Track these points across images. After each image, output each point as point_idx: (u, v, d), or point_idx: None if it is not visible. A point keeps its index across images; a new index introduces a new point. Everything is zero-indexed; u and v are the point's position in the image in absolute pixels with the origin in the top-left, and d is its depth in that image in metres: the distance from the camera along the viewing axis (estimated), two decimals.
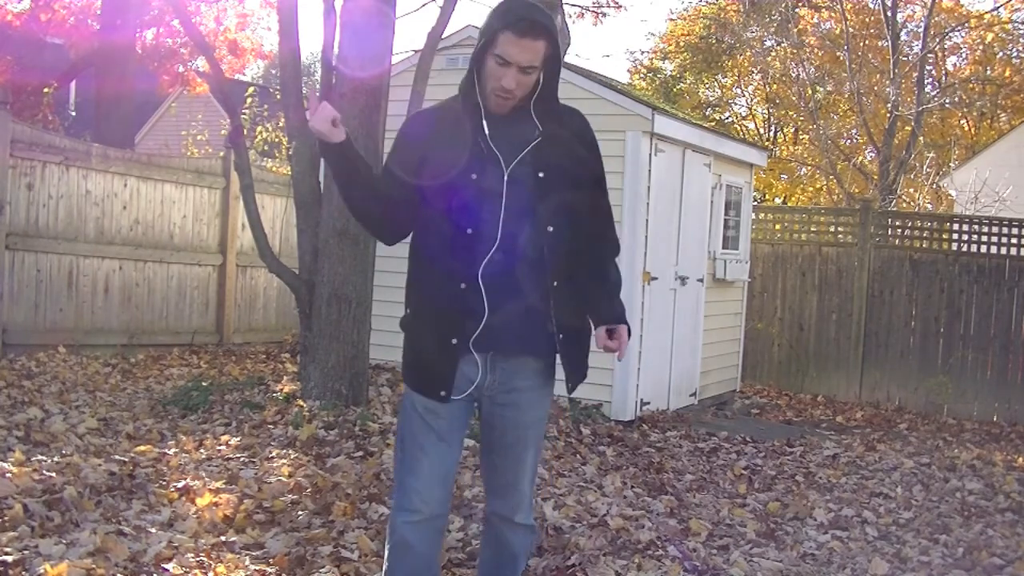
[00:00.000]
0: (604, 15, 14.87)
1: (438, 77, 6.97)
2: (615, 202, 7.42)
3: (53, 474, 4.56)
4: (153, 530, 4.08)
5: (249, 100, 15.09)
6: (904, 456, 7.11)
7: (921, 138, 19.12)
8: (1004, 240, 10.04)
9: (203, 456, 5.40)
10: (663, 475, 5.95)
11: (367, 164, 2.79)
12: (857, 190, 19.64)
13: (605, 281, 2.90)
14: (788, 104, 23.08)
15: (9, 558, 3.51)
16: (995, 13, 21.53)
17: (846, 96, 20.55)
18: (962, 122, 24.04)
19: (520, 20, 2.63)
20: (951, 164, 19.52)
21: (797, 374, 10.72)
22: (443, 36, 7.09)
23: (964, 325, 10.06)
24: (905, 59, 19.29)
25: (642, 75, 27.64)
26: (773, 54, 21.81)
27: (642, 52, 35.88)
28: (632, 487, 5.56)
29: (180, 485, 4.68)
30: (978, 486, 6.17)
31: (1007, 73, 22.47)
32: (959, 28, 21.79)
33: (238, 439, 5.80)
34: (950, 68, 23.54)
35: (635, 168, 7.39)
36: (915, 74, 18.74)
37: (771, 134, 27.69)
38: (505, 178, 2.72)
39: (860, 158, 22.05)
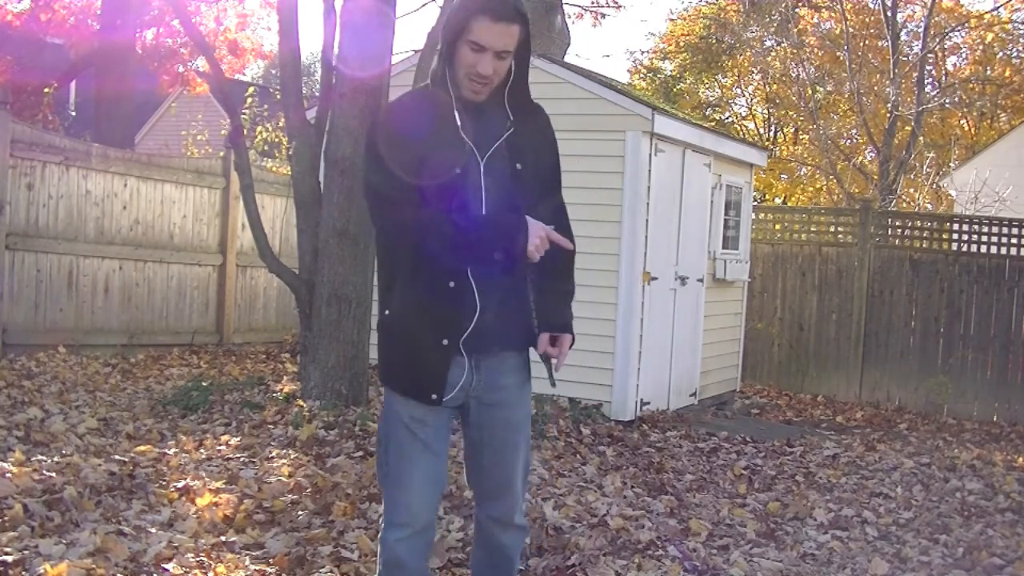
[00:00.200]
0: (603, 15, 14.87)
1: None
2: (615, 202, 7.55)
3: (53, 474, 4.56)
4: (153, 530, 4.08)
5: (249, 100, 15.09)
6: (904, 456, 7.11)
7: (921, 138, 19.13)
8: (1004, 240, 10.04)
9: (203, 456, 5.40)
10: (663, 475, 5.95)
11: None
12: (857, 190, 19.64)
13: (559, 287, 2.85)
14: (788, 104, 23.08)
15: (9, 558, 3.51)
16: (995, 13, 21.55)
17: (846, 96, 20.56)
18: (962, 122, 24.04)
19: (495, 4, 2.59)
20: (951, 164, 19.52)
21: (797, 374, 10.72)
22: None
23: (964, 325, 10.06)
24: (905, 59, 19.29)
25: (642, 75, 27.65)
26: (773, 54, 21.81)
27: (642, 52, 35.91)
28: (632, 487, 5.56)
29: (180, 485, 4.68)
30: (978, 486, 6.17)
31: (1007, 73, 22.48)
32: (959, 28, 21.80)
33: (238, 439, 5.80)
34: (950, 68, 23.56)
35: (635, 168, 7.39)
36: (915, 74, 18.75)
37: (771, 134, 27.70)
38: (481, 170, 2.67)
39: (860, 158, 22.06)
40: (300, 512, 4.45)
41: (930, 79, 21.10)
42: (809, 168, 22.98)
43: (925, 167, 19.01)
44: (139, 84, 13.75)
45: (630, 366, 7.44)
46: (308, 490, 4.73)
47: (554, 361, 2.79)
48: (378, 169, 2.64)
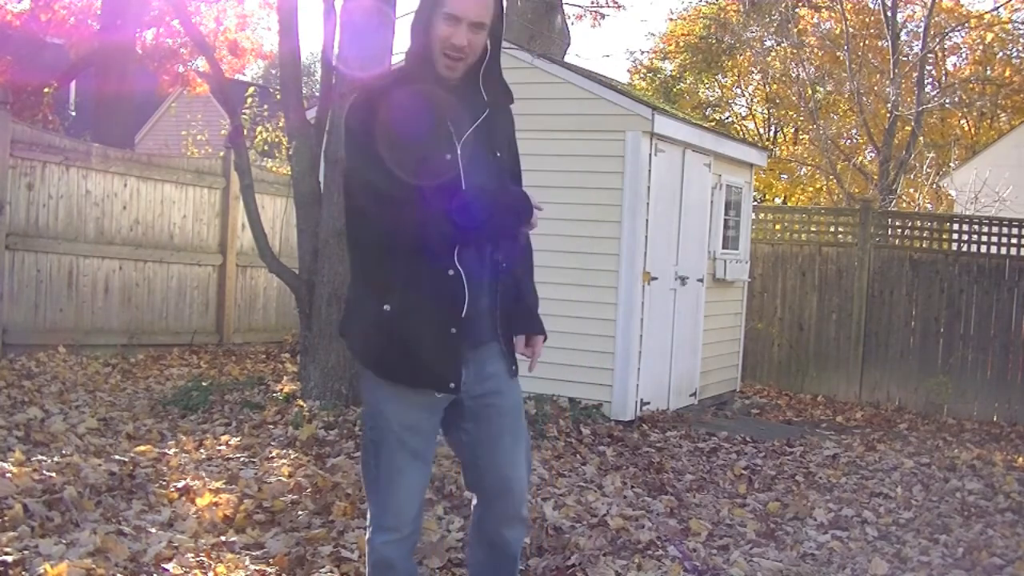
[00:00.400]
0: (603, 16, 14.87)
1: None
2: (615, 202, 7.55)
3: (53, 474, 4.56)
4: (153, 530, 4.08)
5: (249, 100, 15.10)
6: (904, 456, 7.11)
7: (921, 138, 19.12)
8: (1004, 240, 10.03)
9: (203, 456, 5.41)
10: (663, 475, 5.95)
11: None
12: (857, 190, 19.63)
13: (527, 295, 2.91)
14: (788, 104, 23.08)
15: (9, 558, 3.51)
16: (995, 13, 21.54)
17: (846, 96, 20.55)
18: (962, 122, 24.04)
19: None
20: (951, 164, 19.53)
21: (797, 374, 10.72)
22: None
23: (964, 325, 10.05)
24: (905, 59, 19.29)
25: (642, 75, 27.65)
26: (773, 54, 21.81)
27: (642, 52, 35.92)
28: (632, 487, 5.56)
29: (180, 485, 4.68)
30: (978, 486, 6.17)
31: (1007, 73, 22.48)
32: (959, 28, 21.80)
33: (238, 439, 5.80)
34: (950, 68, 23.55)
35: (635, 168, 7.39)
36: (915, 74, 18.74)
37: (771, 134, 27.70)
38: (458, 153, 2.64)
39: (860, 158, 22.05)
40: (300, 512, 4.45)
41: (930, 79, 21.10)
42: (809, 168, 22.98)
43: (925, 167, 19.01)
44: (139, 84, 13.75)
45: (630, 366, 7.44)
46: (308, 490, 4.73)
47: (528, 361, 2.85)
48: (373, 166, 2.59)
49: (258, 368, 8.96)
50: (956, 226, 10.54)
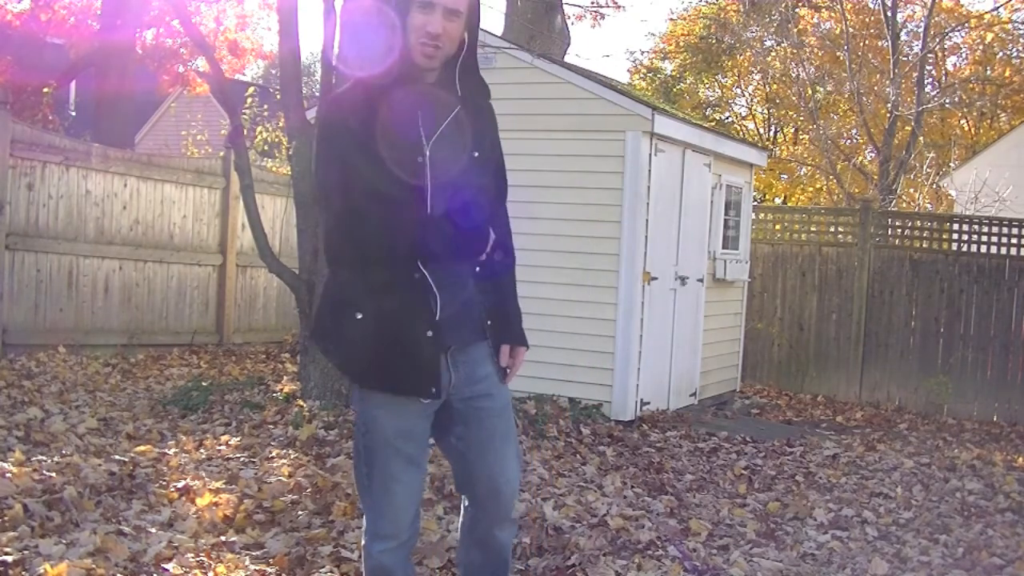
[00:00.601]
0: (603, 16, 14.87)
1: None
2: (615, 202, 7.55)
3: (53, 474, 4.56)
4: (153, 530, 4.08)
5: (249, 100, 15.09)
6: (904, 456, 7.11)
7: (921, 138, 19.11)
8: (1004, 240, 10.03)
9: (203, 456, 5.41)
10: (663, 475, 5.95)
11: None
12: (857, 190, 19.63)
13: (510, 302, 2.83)
14: (788, 104, 23.08)
15: (9, 558, 3.51)
16: (995, 13, 21.54)
17: (846, 96, 20.55)
18: (962, 122, 24.04)
19: None
20: (951, 164, 19.52)
21: (797, 374, 10.72)
22: None
23: (964, 325, 10.05)
24: (905, 59, 19.28)
25: (642, 75, 27.65)
26: (773, 54, 21.80)
27: (642, 52, 35.91)
28: (632, 487, 5.56)
29: (180, 485, 4.68)
30: (978, 486, 6.17)
31: (1007, 73, 22.47)
32: (959, 28, 21.79)
33: (238, 439, 5.80)
34: (950, 68, 23.55)
35: (635, 168, 7.39)
36: (915, 74, 18.73)
37: (771, 134, 27.70)
38: (427, 154, 2.59)
39: (860, 158, 22.05)
40: (300, 512, 4.45)
41: (930, 79, 21.10)
42: (809, 168, 22.97)
43: (925, 167, 19.00)
44: (139, 84, 13.75)
45: (630, 366, 7.44)
46: (308, 490, 4.73)
47: (510, 376, 2.82)
48: (340, 170, 2.58)
49: (258, 368, 8.96)
50: (956, 226, 10.54)
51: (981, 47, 22.69)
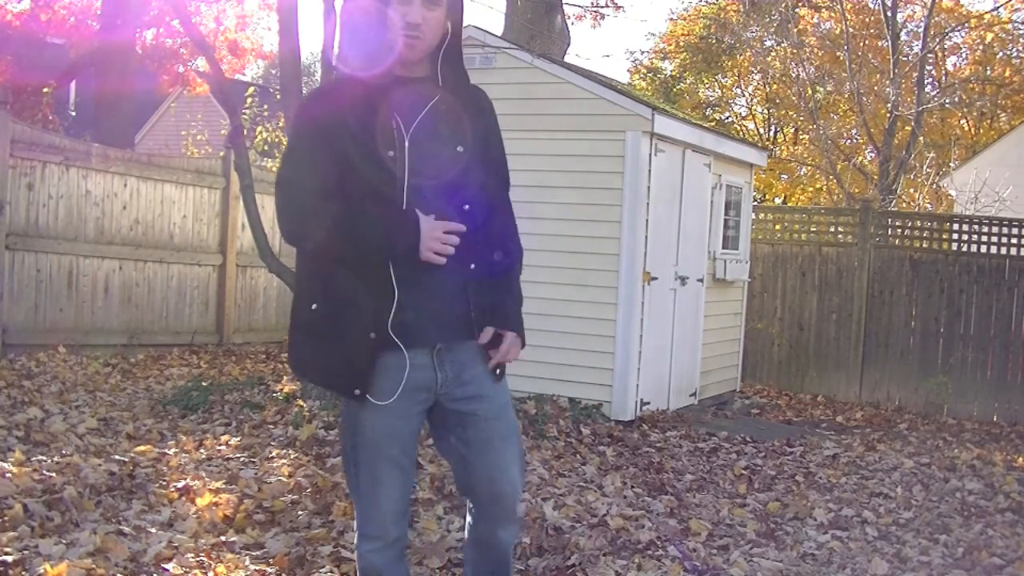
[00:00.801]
0: (603, 16, 14.87)
1: None
2: (615, 202, 7.54)
3: (53, 474, 4.56)
4: (153, 530, 4.08)
5: (249, 100, 15.10)
6: (904, 456, 7.11)
7: (921, 138, 19.11)
8: (1004, 240, 10.03)
9: (203, 456, 5.41)
10: (663, 475, 5.95)
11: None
12: (857, 190, 19.63)
13: (508, 302, 2.75)
14: (788, 104, 23.08)
15: (9, 558, 3.51)
16: (995, 13, 21.54)
17: (846, 96, 20.55)
18: (962, 122, 24.04)
19: None
20: (951, 164, 19.52)
21: (797, 374, 10.72)
22: None
23: (964, 325, 10.05)
24: (905, 59, 19.29)
25: (642, 75, 27.65)
26: (773, 54, 21.81)
27: (642, 52, 35.92)
28: (632, 487, 5.56)
29: (180, 485, 4.68)
30: (978, 486, 6.17)
31: (1007, 73, 22.48)
32: (959, 28, 21.80)
33: (238, 439, 5.81)
34: (950, 68, 23.56)
35: (635, 168, 7.39)
36: (915, 74, 18.73)
37: (771, 134, 27.70)
38: (407, 148, 2.55)
39: (860, 158, 22.05)
40: (300, 512, 4.45)
41: (930, 79, 21.10)
42: (809, 168, 22.98)
43: (925, 167, 19.00)
44: (139, 84, 13.75)
45: (630, 366, 7.44)
46: (308, 490, 4.73)
47: (491, 362, 2.68)
48: (308, 165, 2.58)
49: (258, 368, 8.96)
50: (956, 226, 10.54)
51: (981, 47, 22.70)
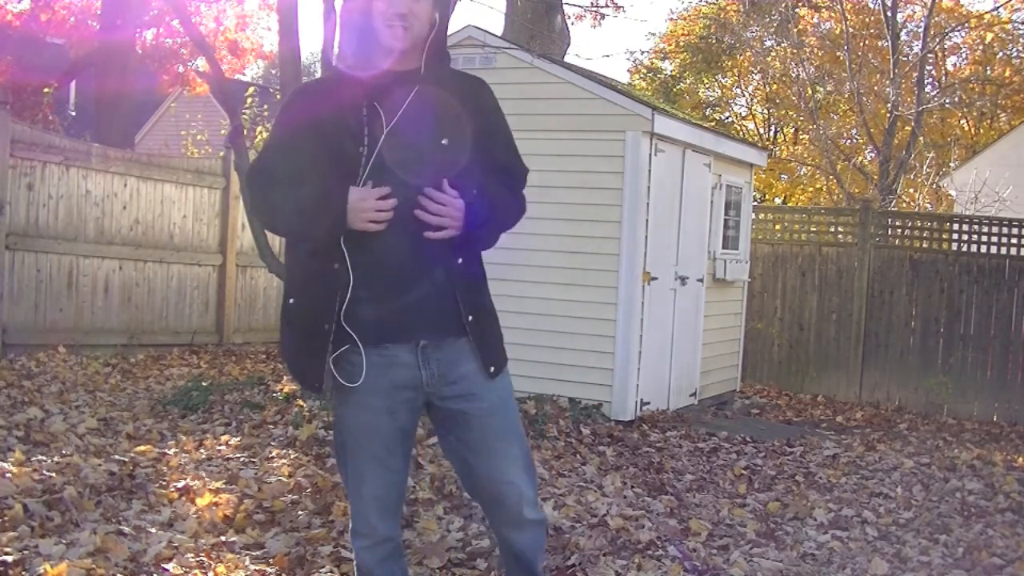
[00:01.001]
0: (603, 16, 14.86)
1: None
2: (615, 202, 7.55)
3: (53, 474, 4.56)
4: (153, 530, 4.08)
5: (249, 100, 15.10)
6: (904, 456, 7.11)
7: (921, 138, 19.11)
8: (1004, 240, 10.03)
9: (203, 456, 5.41)
10: (663, 475, 5.95)
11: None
12: (857, 190, 19.64)
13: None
14: (788, 104, 23.08)
15: (9, 558, 3.51)
16: (995, 13, 21.54)
17: (846, 96, 20.55)
18: (962, 122, 24.04)
19: None
20: (951, 164, 19.52)
21: (797, 374, 10.72)
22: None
23: (964, 325, 10.05)
24: (905, 59, 19.29)
25: (642, 75, 27.65)
26: (773, 54, 21.81)
27: (642, 52, 35.92)
28: (632, 487, 5.56)
29: (180, 485, 4.68)
30: (978, 486, 6.17)
31: (1007, 73, 22.48)
32: (959, 28, 21.80)
33: (238, 439, 5.81)
34: (950, 68, 23.56)
35: (635, 168, 7.39)
36: (915, 74, 18.73)
37: (771, 134, 27.70)
38: (380, 144, 2.53)
39: (860, 158, 22.05)
40: (300, 512, 4.45)
41: (930, 79, 21.10)
42: (809, 168, 22.98)
43: (925, 167, 19.00)
44: (139, 84, 13.75)
45: (630, 366, 7.44)
46: (308, 490, 4.73)
47: (428, 218, 2.57)
48: (282, 159, 2.60)
49: (258, 368, 8.96)
50: (956, 226, 10.53)
51: (981, 47, 22.70)
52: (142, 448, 5.38)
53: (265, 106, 15.37)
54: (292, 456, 5.39)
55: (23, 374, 7.51)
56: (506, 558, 2.87)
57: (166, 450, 5.48)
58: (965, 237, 10.27)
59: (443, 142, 2.56)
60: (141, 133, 21.02)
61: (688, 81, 26.97)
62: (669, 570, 4.12)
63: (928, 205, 19.26)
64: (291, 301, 2.63)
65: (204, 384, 7.41)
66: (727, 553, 4.48)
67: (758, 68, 23.11)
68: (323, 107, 2.61)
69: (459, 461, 2.76)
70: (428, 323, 2.60)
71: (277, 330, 9.45)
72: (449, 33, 7.51)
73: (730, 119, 27.52)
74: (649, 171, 7.47)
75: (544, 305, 7.51)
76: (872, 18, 21.35)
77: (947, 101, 20.69)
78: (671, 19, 28.65)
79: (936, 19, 20.07)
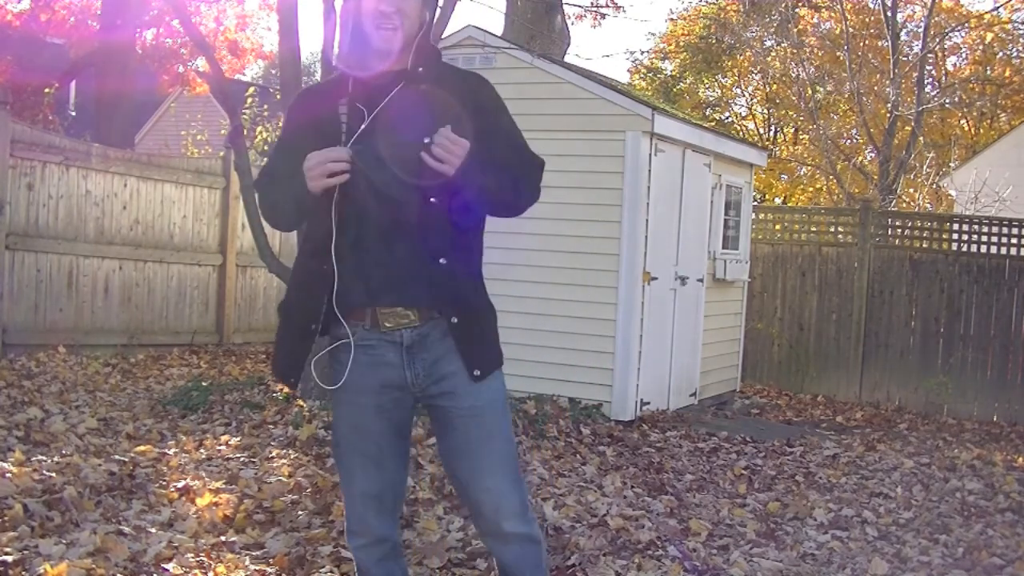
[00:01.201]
0: (603, 16, 14.86)
1: None
2: (615, 202, 7.56)
3: (53, 474, 4.56)
4: (153, 530, 4.08)
5: (249, 100, 15.10)
6: (904, 456, 7.11)
7: (921, 138, 19.11)
8: (1004, 240, 10.03)
9: (203, 456, 5.41)
10: (663, 475, 5.95)
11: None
12: (857, 190, 19.64)
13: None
14: (788, 104, 23.08)
15: (9, 558, 3.51)
16: (995, 13, 21.54)
17: (846, 96, 20.55)
18: (962, 122, 24.04)
19: None
20: (951, 164, 19.52)
21: (797, 374, 10.72)
22: (443, 36, 7.09)
23: (964, 325, 10.05)
24: (905, 59, 19.28)
25: (642, 75, 27.65)
26: (773, 54, 21.81)
27: (642, 52, 35.90)
28: (632, 487, 5.56)
29: (180, 485, 4.68)
30: (978, 486, 6.17)
31: (1007, 73, 22.48)
32: (959, 28, 21.80)
33: (238, 439, 5.80)
34: (950, 68, 23.56)
35: (635, 168, 7.39)
36: (915, 74, 18.73)
37: (771, 134, 27.70)
38: (353, 140, 2.54)
39: (860, 158, 22.05)
40: (300, 512, 4.45)
41: (930, 79, 21.10)
42: (809, 168, 22.98)
43: (925, 167, 19.00)
44: (139, 84, 13.75)
45: (630, 366, 7.44)
46: (308, 490, 4.73)
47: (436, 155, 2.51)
48: (278, 149, 2.70)
49: (258, 368, 8.96)
50: (956, 226, 10.54)
51: (981, 47, 22.70)
52: (142, 448, 5.38)
53: (265, 106, 15.37)
54: (292, 456, 5.39)
55: (23, 374, 7.51)
56: (498, 567, 2.78)
57: (166, 450, 5.48)
58: (965, 237, 10.27)
59: (425, 141, 2.51)
60: (141, 133, 21.02)
61: (688, 81, 26.97)
62: (669, 570, 4.12)
63: (928, 205, 19.26)
64: (285, 297, 2.74)
65: (204, 384, 7.41)
66: (727, 553, 4.48)
67: (758, 68, 23.12)
68: (320, 108, 2.63)
69: (444, 463, 2.76)
70: (412, 323, 2.59)
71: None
72: (449, 33, 7.53)
73: (730, 119, 27.52)
74: (649, 171, 7.47)
75: (544, 305, 7.51)
76: (872, 18, 21.34)
77: (947, 101, 20.68)
78: (671, 19, 28.64)
79: (936, 19, 20.07)
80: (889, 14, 18.62)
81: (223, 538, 4.09)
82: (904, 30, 21.25)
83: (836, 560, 4.55)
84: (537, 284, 7.56)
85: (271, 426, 6.10)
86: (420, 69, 2.59)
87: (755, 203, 11.53)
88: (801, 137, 25.33)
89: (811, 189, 24.10)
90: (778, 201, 24.29)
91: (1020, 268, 9.86)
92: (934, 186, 19.20)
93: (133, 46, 13.65)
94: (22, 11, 15.35)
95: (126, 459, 5.05)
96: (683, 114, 10.28)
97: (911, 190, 20.29)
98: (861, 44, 20.71)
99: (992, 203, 14.53)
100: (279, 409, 6.38)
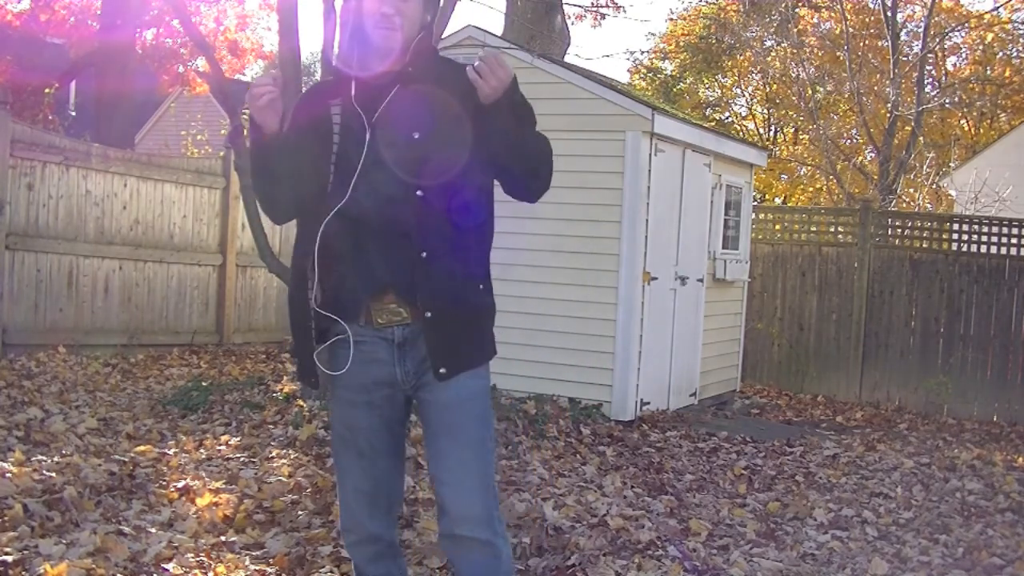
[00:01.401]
0: (603, 16, 14.86)
1: None
2: (615, 202, 7.56)
3: (53, 474, 4.56)
4: (153, 530, 4.08)
5: None
6: (904, 456, 7.11)
7: (921, 138, 19.12)
8: (1004, 240, 10.03)
9: (203, 456, 5.41)
10: (663, 475, 5.95)
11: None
12: (857, 190, 19.64)
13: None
14: (788, 104, 23.09)
15: (9, 558, 3.51)
16: (995, 13, 21.55)
17: (846, 96, 20.56)
18: (962, 122, 24.04)
19: None
20: (951, 164, 19.52)
21: (797, 374, 10.72)
22: (443, 36, 7.09)
23: (964, 325, 10.05)
24: (905, 59, 19.29)
25: (642, 75, 27.65)
26: (773, 54, 21.81)
27: (642, 52, 35.88)
28: (632, 487, 5.56)
29: (180, 485, 4.68)
30: (978, 486, 6.17)
31: (1007, 73, 22.49)
32: (959, 28, 21.81)
33: (238, 439, 5.80)
34: (950, 68, 23.57)
35: (635, 168, 7.39)
36: (915, 74, 18.74)
37: (771, 134, 27.70)
38: (366, 139, 2.54)
39: (860, 158, 22.06)
40: (300, 512, 4.45)
41: (930, 79, 21.10)
42: (809, 168, 22.98)
43: (925, 167, 19.00)
44: (139, 84, 13.76)
45: (630, 366, 7.44)
46: (308, 490, 4.73)
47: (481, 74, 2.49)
48: (277, 163, 2.66)
49: (258, 368, 8.96)
50: (956, 226, 10.54)
51: (981, 47, 22.71)
52: (142, 448, 5.38)
53: None
54: (292, 456, 5.39)
55: (23, 374, 7.51)
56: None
57: (166, 450, 5.48)
58: (965, 237, 10.27)
59: (414, 136, 2.53)
60: (141, 133, 21.01)
61: (688, 81, 26.98)
62: (669, 570, 4.12)
63: (928, 205, 19.26)
64: (287, 296, 2.76)
65: (204, 384, 7.41)
66: (727, 553, 4.48)
67: (758, 68, 23.12)
68: (316, 107, 2.64)
69: (427, 457, 2.76)
70: (404, 320, 2.58)
71: (277, 330, 9.47)
72: (449, 33, 7.53)
73: (730, 119, 27.53)
74: (649, 171, 7.47)
75: (544, 305, 7.51)
76: (872, 18, 21.35)
77: (947, 101, 20.69)
78: (671, 19, 28.63)
79: (936, 19, 20.08)
80: (889, 14, 18.63)
81: (223, 538, 4.09)
82: (904, 30, 21.26)
83: (836, 560, 4.55)
84: (537, 284, 7.56)
85: (271, 426, 6.10)
86: (418, 69, 2.60)
87: (755, 203, 11.53)
88: (801, 137, 25.34)
89: (811, 189, 24.10)
90: (778, 201, 24.29)
91: (1020, 268, 9.86)
92: (934, 186, 19.21)
93: (133, 46, 13.65)
94: (22, 11, 15.35)
95: (126, 459, 5.05)
96: (683, 114, 10.28)
97: (911, 190, 20.29)
98: (861, 44, 20.72)
99: (992, 203, 14.54)
100: (279, 409, 6.38)
